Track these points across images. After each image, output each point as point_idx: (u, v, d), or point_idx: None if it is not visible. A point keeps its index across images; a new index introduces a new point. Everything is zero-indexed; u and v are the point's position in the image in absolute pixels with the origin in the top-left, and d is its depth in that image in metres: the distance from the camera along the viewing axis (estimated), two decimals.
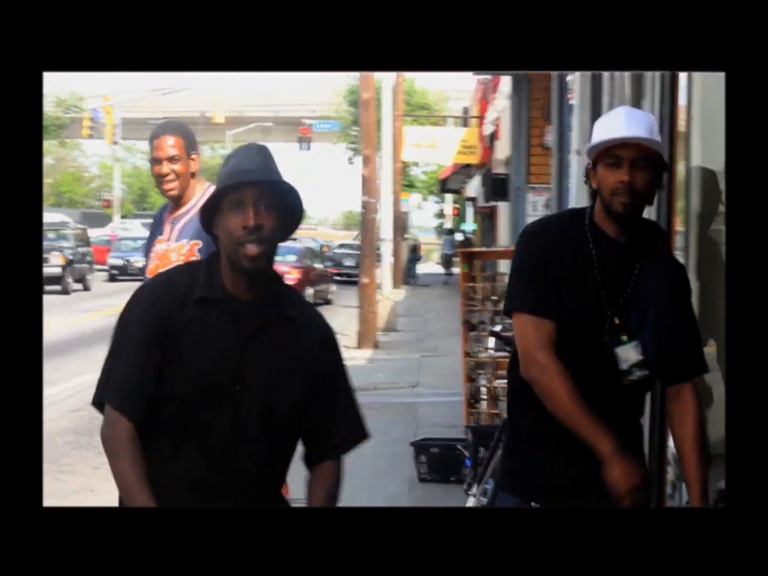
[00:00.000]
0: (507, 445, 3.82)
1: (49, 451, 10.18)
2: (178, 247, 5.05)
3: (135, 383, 2.93)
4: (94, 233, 48.61)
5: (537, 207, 13.84)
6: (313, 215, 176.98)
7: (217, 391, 2.92)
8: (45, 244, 32.22)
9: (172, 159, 5.02)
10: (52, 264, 31.14)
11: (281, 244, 3.03)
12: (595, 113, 8.29)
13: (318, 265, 33.05)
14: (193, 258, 4.87)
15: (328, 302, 29.89)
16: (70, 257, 32.33)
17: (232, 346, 2.93)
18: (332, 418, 3.05)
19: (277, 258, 2.97)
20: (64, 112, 40.34)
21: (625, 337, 3.45)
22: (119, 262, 38.36)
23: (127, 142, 65.51)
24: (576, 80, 8.73)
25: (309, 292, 31.66)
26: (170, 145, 5.03)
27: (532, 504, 3.50)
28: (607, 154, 3.39)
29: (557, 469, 3.50)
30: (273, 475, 3.07)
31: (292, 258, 32.37)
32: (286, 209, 2.98)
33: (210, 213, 2.98)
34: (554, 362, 3.40)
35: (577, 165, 8.96)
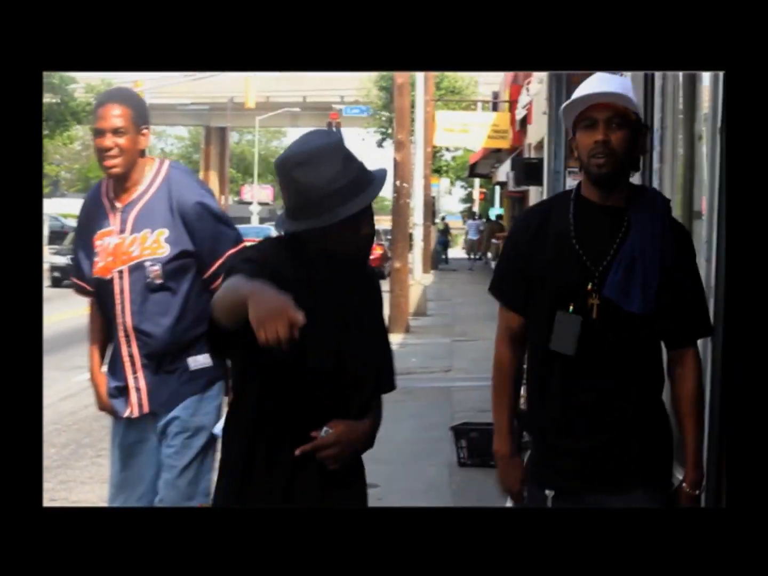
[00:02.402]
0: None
1: (88, 437, 10.23)
2: (141, 238, 4.47)
3: None
4: None
5: None
6: None
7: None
8: None
9: (116, 131, 4.44)
10: None
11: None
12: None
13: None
14: (162, 250, 4.44)
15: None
16: None
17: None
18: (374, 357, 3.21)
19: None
20: (95, 99, 40.30)
21: (571, 307, 3.39)
22: (63, 261, 26.06)
23: (157, 128, 65.62)
24: None
25: (386, 265, 31.98)
26: (116, 115, 4.44)
27: (546, 492, 3.45)
28: (582, 117, 3.35)
29: (569, 455, 3.44)
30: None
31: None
32: None
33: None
34: (502, 355, 3.58)
35: None
